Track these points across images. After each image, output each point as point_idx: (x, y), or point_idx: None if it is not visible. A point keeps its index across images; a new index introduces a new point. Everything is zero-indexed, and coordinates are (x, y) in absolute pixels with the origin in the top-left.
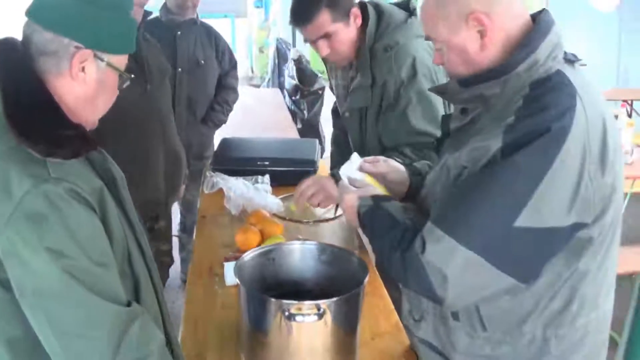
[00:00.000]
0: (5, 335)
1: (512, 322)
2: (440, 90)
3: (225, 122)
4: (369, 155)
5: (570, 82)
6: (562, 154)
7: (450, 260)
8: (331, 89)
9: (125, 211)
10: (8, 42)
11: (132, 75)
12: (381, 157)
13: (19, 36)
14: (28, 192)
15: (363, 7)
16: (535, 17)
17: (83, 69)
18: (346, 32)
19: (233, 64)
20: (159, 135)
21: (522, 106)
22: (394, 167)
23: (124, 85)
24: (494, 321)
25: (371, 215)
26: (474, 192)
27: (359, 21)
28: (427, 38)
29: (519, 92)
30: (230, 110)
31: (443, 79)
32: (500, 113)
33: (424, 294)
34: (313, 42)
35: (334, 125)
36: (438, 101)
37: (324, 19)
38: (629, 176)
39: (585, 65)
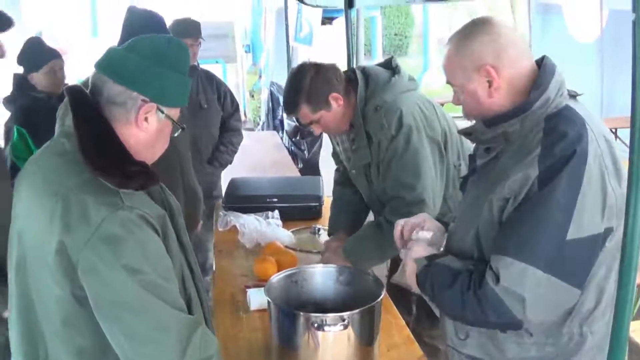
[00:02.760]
0: (76, 346)
1: (554, 325)
2: (466, 131)
3: (230, 162)
4: (378, 207)
5: (577, 112)
6: (587, 172)
7: (523, 281)
8: (333, 155)
9: (180, 237)
10: (77, 90)
11: (184, 126)
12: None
13: None
14: (105, 218)
15: (353, 72)
16: (539, 63)
17: (146, 119)
18: (330, 115)
19: (235, 107)
20: (177, 173)
21: (543, 137)
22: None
23: (176, 134)
24: (538, 327)
25: (427, 273)
26: (528, 219)
27: (341, 102)
28: (448, 82)
29: (536, 126)
30: (236, 151)
31: (435, 127)
32: (520, 147)
33: (504, 324)
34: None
35: (337, 168)
36: (424, 153)
37: (305, 112)
38: None
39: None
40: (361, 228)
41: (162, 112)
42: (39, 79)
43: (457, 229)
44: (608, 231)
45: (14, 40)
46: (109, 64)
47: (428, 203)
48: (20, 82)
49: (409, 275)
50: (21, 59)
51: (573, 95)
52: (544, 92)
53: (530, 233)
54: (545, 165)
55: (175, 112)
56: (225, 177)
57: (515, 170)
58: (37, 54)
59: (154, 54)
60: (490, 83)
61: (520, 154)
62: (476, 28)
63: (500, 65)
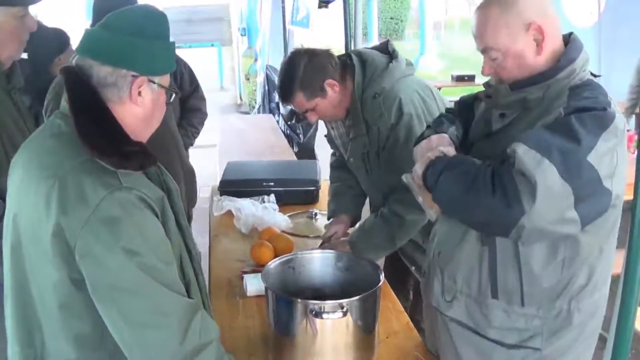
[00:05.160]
0: (74, 332)
1: (548, 297)
2: (487, 94)
3: (192, 144)
4: (377, 195)
5: (600, 85)
6: (609, 129)
7: (537, 169)
8: (328, 140)
9: (178, 219)
10: (72, 71)
11: (177, 90)
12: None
13: None
14: (104, 198)
15: (348, 57)
16: (565, 38)
17: (140, 93)
18: (326, 102)
19: (195, 86)
20: (174, 149)
21: (568, 101)
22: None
23: (171, 99)
24: (532, 297)
25: (446, 160)
26: (555, 128)
27: (337, 88)
28: (484, 50)
29: (560, 95)
30: (198, 131)
31: (434, 112)
32: (543, 112)
33: (508, 207)
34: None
35: (333, 152)
36: None
37: (300, 100)
38: None
39: None
40: (365, 221)
41: (154, 82)
42: (63, 61)
43: None
44: (612, 199)
45: None
46: (91, 46)
47: None
48: (35, 68)
49: (419, 164)
50: (42, 46)
51: (593, 75)
52: (572, 62)
53: (555, 138)
54: (571, 108)
55: (165, 79)
56: (222, 162)
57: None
58: (59, 38)
59: (134, 28)
60: (537, 41)
61: (543, 117)
62: None
63: (546, 22)
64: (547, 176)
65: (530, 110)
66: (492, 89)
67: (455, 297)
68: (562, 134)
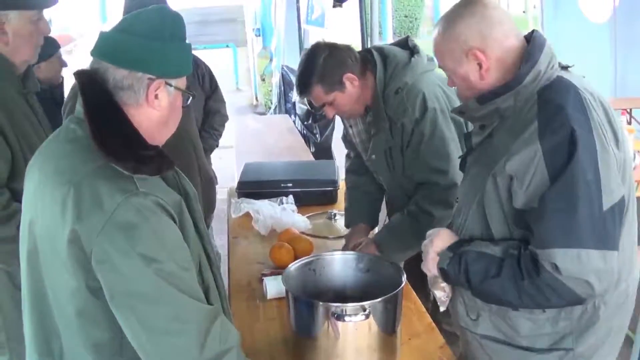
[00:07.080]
0: (92, 340)
1: None
2: (460, 110)
3: (216, 146)
4: (399, 193)
5: (569, 81)
6: (596, 138)
7: (582, 266)
8: (345, 141)
9: (197, 223)
10: (87, 75)
11: (194, 93)
12: None
13: None
14: (120, 204)
15: (369, 52)
16: (528, 38)
17: (157, 96)
18: (345, 96)
19: (214, 87)
20: (192, 156)
21: (538, 111)
22: None
23: (188, 102)
24: None
25: (457, 264)
26: (562, 205)
27: (356, 83)
28: (439, 67)
29: (529, 100)
30: (220, 133)
31: (456, 104)
32: (515, 122)
33: (571, 304)
34: (320, 107)
35: (348, 154)
36: (451, 135)
37: (318, 92)
38: None
39: (583, 77)
40: (392, 220)
41: (171, 85)
42: (44, 69)
43: (461, 207)
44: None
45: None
46: (106, 50)
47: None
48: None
49: (430, 266)
50: None
51: (564, 67)
52: (534, 65)
53: (570, 218)
54: (551, 144)
55: (182, 82)
56: (239, 163)
57: (515, 146)
58: (46, 45)
59: (150, 30)
60: (480, 66)
61: (516, 129)
62: (460, 11)
63: (488, 47)
64: (591, 263)
65: (506, 119)
66: (463, 105)
67: (480, 315)
68: (576, 202)
